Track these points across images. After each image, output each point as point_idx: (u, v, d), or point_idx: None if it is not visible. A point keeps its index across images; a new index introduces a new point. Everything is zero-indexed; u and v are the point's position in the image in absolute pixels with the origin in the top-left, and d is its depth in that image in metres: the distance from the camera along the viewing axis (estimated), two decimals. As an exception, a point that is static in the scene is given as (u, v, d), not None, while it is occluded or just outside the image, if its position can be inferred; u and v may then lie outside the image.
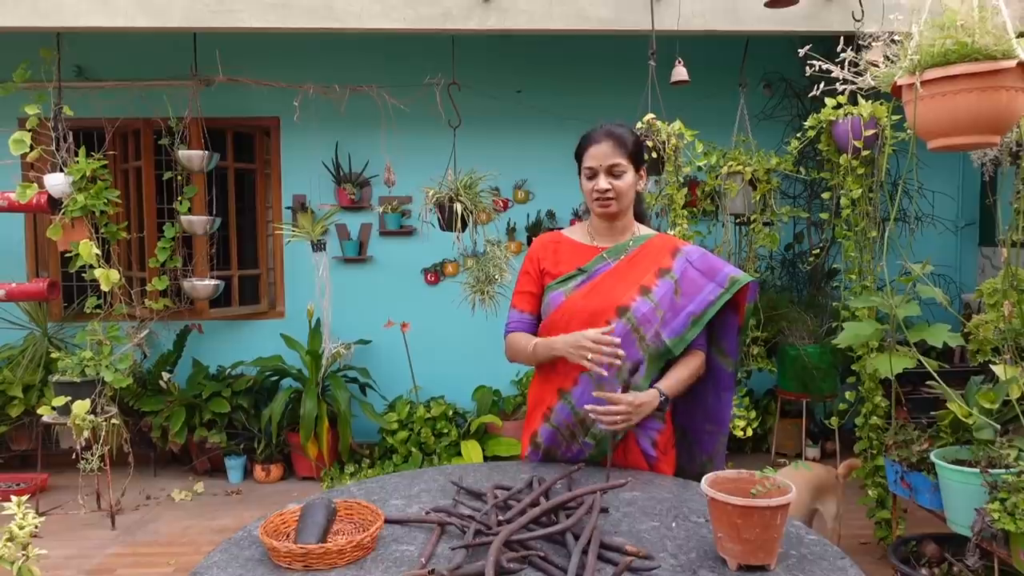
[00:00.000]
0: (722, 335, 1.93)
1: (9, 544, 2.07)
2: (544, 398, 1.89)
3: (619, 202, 1.85)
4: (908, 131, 2.87)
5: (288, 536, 1.41)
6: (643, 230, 1.96)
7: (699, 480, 1.97)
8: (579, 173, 1.90)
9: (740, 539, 1.27)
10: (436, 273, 4.99)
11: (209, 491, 4.38)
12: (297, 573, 1.28)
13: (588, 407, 1.75)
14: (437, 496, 1.66)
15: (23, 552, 2.07)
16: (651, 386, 1.82)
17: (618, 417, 1.72)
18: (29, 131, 3.88)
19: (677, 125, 3.30)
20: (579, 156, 1.89)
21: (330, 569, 1.29)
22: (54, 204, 4.03)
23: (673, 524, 1.49)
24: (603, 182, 1.82)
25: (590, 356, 1.68)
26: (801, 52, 1.78)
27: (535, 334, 1.93)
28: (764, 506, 1.25)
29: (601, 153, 1.82)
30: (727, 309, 1.87)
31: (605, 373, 1.70)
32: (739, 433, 3.67)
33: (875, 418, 3.20)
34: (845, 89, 1.64)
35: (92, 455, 3.78)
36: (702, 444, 2.01)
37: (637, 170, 1.87)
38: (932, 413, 2.79)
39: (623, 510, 1.57)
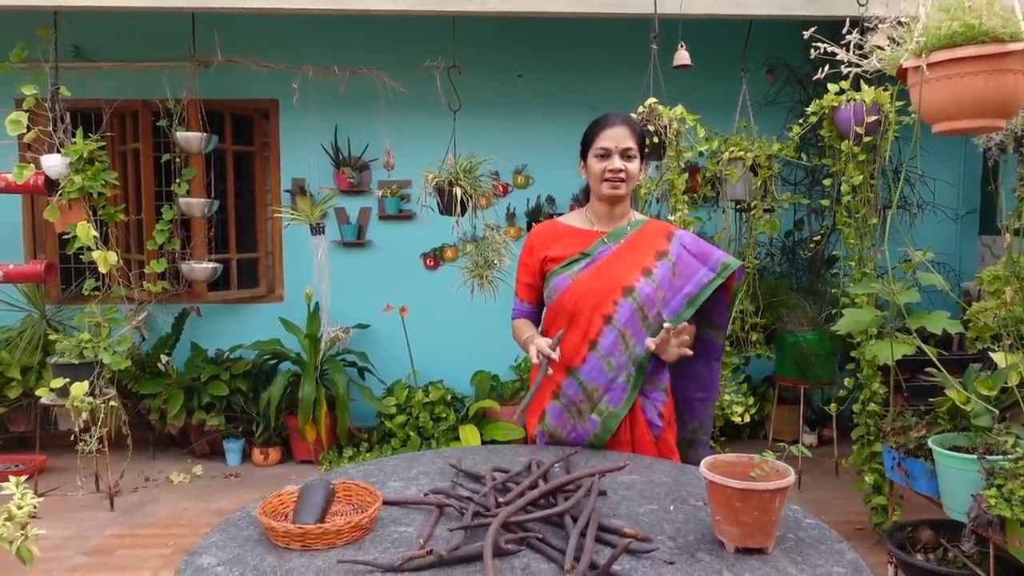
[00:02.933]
0: (714, 311, 2.04)
1: (8, 524, 2.08)
2: (552, 376, 1.95)
3: (627, 185, 1.93)
4: (912, 116, 2.86)
5: (286, 517, 1.41)
6: (637, 216, 2.06)
7: (690, 446, 2.07)
8: (583, 157, 1.98)
9: (738, 522, 1.27)
10: (435, 258, 4.97)
11: (207, 474, 4.39)
12: (295, 553, 1.28)
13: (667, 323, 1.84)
14: (435, 478, 1.67)
15: (21, 532, 2.08)
16: (652, 362, 1.92)
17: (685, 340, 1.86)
18: (26, 111, 3.84)
19: (679, 110, 3.28)
20: (591, 138, 1.95)
21: (328, 549, 1.29)
22: (51, 185, 4.01)
23: (671, 507, 1.50)
24: (617, 162, 1.90)
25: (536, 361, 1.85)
26: (806, 35, 1.76)
27: (536, 321, 2.08)
28: (763, 489, 1.25)
29: (617, 135, 1.90)
30: (718, 288, 1.98)
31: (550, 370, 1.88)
32: (737, 419, 3.68)
33: (873, 405, 3.20)
34: (849, 73, 1.62)
35: (90, 437, 3.78)
36: (693, 411, 2.12)
37: (643, 159, 1.97)
38: (930, 400, 2.80)
39: (621, 493, 1.57)
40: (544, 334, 2.01)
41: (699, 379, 2.09)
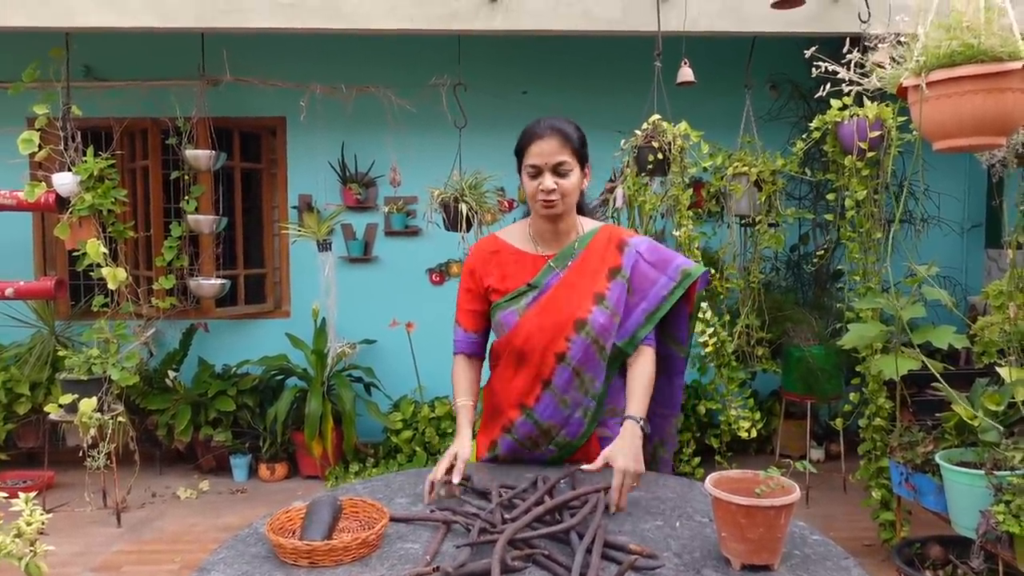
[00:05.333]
0: (674, 325, 1.88)
1: (17, 540, 2.09)
2: (503, 410, 1.85)
3: (564, 202, 1.74)
4: (914, 132, 2.87)
5: (294, 533, 1.41)
6: (587, 225, 1.87)
7: (652, 463, 1.94)
8: (519, 171, 1.79)
9: (744, 539, 1.27)
10: (441, 273, 5.00)
11: (214, 489, 4.39)
12: (303, 570, 1.29)
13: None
14: (442, 494, 1.67)
15: (31, 548, 2.09)
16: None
17: (625, 496, 1.57)
18: (38, 130, 3.90)
19: (683, 126, 3.31)
20: (520, 153, 1.77)
21: (335, 566, 1.30)
22: (62, 203, 4.05)
23: (677, 523, 1.50)
24: (548, 181, 1.71)
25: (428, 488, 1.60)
26: (807, 53, 1.78)
27: (481, 354, 1.90)
28: (768, 506, 1.25)
29: (546, 150, 1.70)
30: (678, 299, 1.83)
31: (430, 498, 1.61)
32: (743, 434, 3.67)
33: (879, 420, 3.19)
34: (851, 90, 1.64)
35: (98, 453, 3.80)
36: (655, 427, 1.98)
37: (582, 168, 1.77)
38: (937, 415, 2.79)
39: (627, 509, 1.57)
40: (492, 369, 1.87)
41: (660, 394, 1.90)
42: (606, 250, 1.81)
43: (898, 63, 1.55)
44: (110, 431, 3.81)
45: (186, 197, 4.57)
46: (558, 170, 1.71)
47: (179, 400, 4.50)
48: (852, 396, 3.32)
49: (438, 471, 1.61)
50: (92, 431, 3.72)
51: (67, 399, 3.78)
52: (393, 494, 1.68)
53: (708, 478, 1.36)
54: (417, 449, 4.42)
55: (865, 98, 2.94)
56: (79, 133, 4.04)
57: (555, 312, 1.76)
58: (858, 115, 3.06)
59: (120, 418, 3.91)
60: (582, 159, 1.76)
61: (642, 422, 1.70)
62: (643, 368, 1.79)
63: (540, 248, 1.83)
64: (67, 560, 3.41)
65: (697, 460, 4.42)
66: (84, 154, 4.00)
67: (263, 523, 1.44)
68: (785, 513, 1.27)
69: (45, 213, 4.71)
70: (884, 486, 3.20)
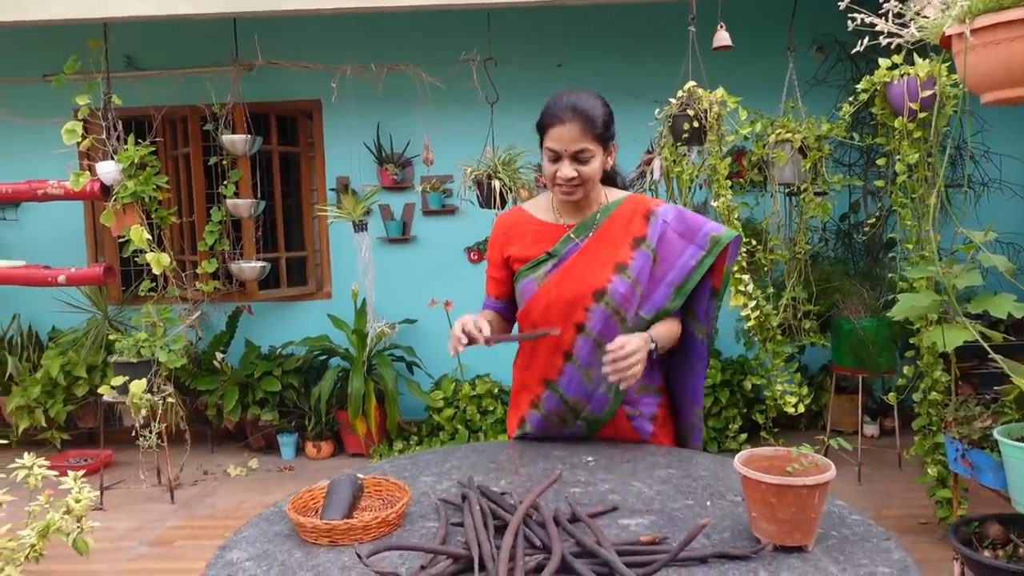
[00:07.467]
0: (695, 298, 1.78)
1: (66, 517, 2.17)
2: (529, 384, 1.83)
3: (585, 188, 1.70)
4: (961, 87, 2.70)
5: (316, 512, 1.42)
6: (612, 195, 1.81)
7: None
8: (540, 145, 1.72)
9: (775, 519, 1.22)
10: (479, 251, 4.97)
11: (263, 467, 4.50)
12: (323, 548, 1.29)
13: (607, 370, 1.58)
14: (468, 473, 1.65)
15: (78, 524, 2.17)
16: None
17: (625, 372, 1.57)
18: (81, 121, 4.00)
19: (719, 92, 3.18)
20: (540, 131, 1.71)
21: (355, 544, 1.29)
22: (106, 191, 4.17)
23: (708, 503, 1.45)
24: (567, 169, 1.65)
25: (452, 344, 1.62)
26: (842, 5, 1.67)
27: (510, 318, 1.91)
28: (800, 485, 1.19)
29: (566, 136, 1.63)
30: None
31: (462, 349, 1.61)
32: (790, 410, 3.57)
33: (935, 394, 3.05)
34: (891, 42, 1.53)
35: (150, 432, 3.92)
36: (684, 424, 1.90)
37: (607, 148, 1.71)
38: (996, 388, 2.65)
39: (656, 488, 1.53)
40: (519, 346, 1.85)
41: (682, 381, 1.86)
42: (631, 220, 1.75)
43: (943, 11, 1.43)
44: (160, 411, 3.93)
45: (225, 182, 4.64)
46: (578, 157, 1.65)
47: (227, 381, 4.61)
48: (907, 369, 3.18)
49: (463, 336, 1.61)
50: (143, 411, 3.84)
51: (119, 381, 3.91)
52: (419, 472, 1.67)
53: (737, 456, 1.30)
54: (459, 427, 4.44)
55: (915, 55, 2.78)
56: (120, 122, 4.13)
57: (574, 281, 1.72)
58: (908, 74, 2.90)
59: (170, 399, 4.02)
60: (605, 141, 1.69)
61: (655, 344, 1.67)
62: (668, 323, 1.76)
63: (562, 219, 1.79)
64: (124, 535, 3.54)
65: (744, 437, 4.34)
66: (126, 143, 4.09)
67: (287, 502, 1.45)
68: (819, 492, 1.21)
69: (95, 201, 4.85)
70: (940, 463, 3.07)
